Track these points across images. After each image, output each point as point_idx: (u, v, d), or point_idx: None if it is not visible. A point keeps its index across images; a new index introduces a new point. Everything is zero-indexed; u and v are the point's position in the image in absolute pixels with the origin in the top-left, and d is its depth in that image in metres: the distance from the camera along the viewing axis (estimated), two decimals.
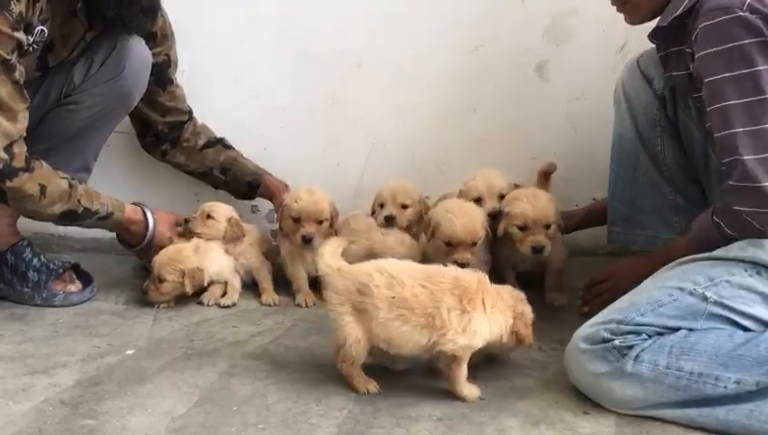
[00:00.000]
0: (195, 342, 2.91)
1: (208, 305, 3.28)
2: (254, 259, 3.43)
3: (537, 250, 3.07)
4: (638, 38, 3.68)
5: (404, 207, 3.34)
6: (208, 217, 3.39)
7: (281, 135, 3.88)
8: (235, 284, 3.37)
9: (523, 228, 3.09)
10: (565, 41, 3.78)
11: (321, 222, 3.23)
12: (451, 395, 2.46)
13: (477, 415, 2.36)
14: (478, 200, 3.24)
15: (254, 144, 3.87)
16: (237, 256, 3.41)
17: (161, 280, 3.18)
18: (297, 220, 3.22)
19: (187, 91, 3.77)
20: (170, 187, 3.88)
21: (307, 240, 3.18)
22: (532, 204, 3.09)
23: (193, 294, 3.25)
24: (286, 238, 3.35)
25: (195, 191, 3.84)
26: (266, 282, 3.38)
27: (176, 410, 2.38)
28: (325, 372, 2.65)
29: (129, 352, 2.81)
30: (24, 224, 3.90)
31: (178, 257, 3.21)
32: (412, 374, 2.63)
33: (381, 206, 3.34)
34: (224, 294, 3.32)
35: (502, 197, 3.25)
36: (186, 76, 3.76)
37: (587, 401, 2.44)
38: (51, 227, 3.91)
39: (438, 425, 2.30)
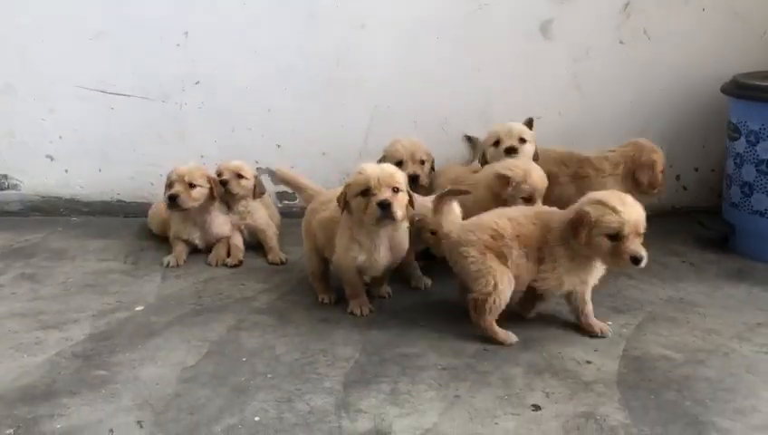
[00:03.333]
0: (203, 298, 2.96)
1: (217, 266, 3.31)
2: (261, 220, 3.46)
3: None
4: None
5: (422, 162, 3.32)
6: (239, 176, 3.43)
7: (285, 97, 3.87)
8: (238, 243, 3.41)
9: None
10: (569, 0, 3.75)
11: (396, 189, 2.63)
12: (456, 347, 2.51)
13: (481, 365, 2.40)
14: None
15: (258, 106, 3.87)
16: (244, 216, 3.44)
17: (192, 185, 3.28)
18: (365, 193, 2.62)
19: (191, 54, 3.78)
20: (178, 148, 3.88)
21: (384, 206, 2.58)
22: None
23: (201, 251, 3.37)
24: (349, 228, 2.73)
25: (201, 153, 3.84)
26: (272, 241, 3.41)
27: (186, 362, 2.43)
28: (332, 324, 2.70)
29: (139, 308, 2.86)
30: (31, 187, 3.97)
31: (202, 169, 3.36)
32: (419, 326, 2.67)
33: (399, 164, 3.19)
34: (228, 255, 3.37)
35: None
36: (189, 38, 3.77)
37: (590, 351, 2.49)
38: (58, 190, 3.98)
39: (443, 374, 2.34)
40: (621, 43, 3.78)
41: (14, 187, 3.96)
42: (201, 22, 3.77)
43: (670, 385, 2.27)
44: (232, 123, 3.89)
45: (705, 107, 3.77)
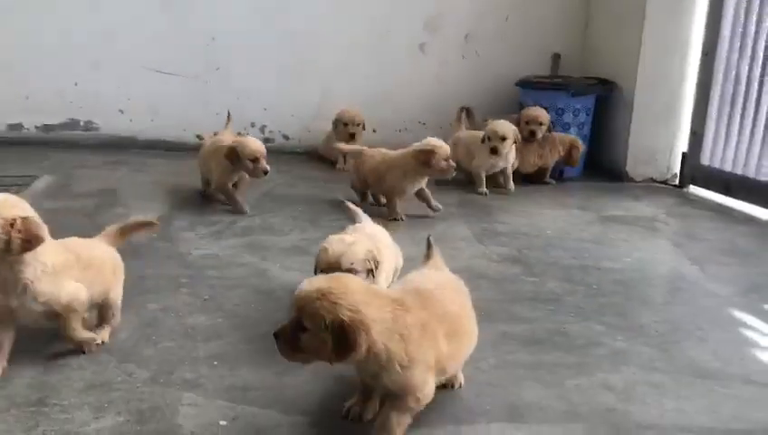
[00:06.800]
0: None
1: None
2: None
3: None
4: (477, 30, 6.58)
5: (358, 125, 5.81)
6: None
7: (270, 79, 6.43)
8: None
9: None
10: (436, 31, 6.54)
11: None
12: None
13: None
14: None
15: (255, 85, 6.38)
16: None
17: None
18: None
19: (217, 50, 6.28)
20: (204, 109, 6.32)
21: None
22: None
23: None
24: None
25: (216, 112, 6.30)
26: None
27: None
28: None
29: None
30: (107, 129, 6.29)
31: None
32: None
33: (345, 125, 5.75)
34: None
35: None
36: (215, 41, 6.27)
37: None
38: (124, 133, 6.32)
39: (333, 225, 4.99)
40: (464, 57, 6.64)
41: (96, 129, 6.29)
42: (224, 31, 6.27)
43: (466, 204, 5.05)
44: (238, 95, 6.36)
45: (507, 94, 6.60)
